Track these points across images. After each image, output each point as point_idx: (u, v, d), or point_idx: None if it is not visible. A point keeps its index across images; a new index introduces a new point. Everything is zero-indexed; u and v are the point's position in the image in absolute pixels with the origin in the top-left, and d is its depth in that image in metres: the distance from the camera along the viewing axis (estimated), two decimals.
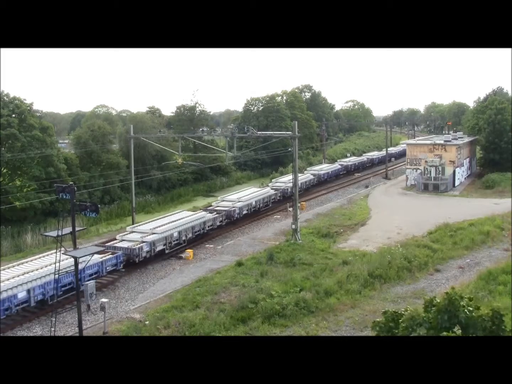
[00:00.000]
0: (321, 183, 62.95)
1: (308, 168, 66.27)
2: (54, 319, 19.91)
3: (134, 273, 31.09)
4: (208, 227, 38.38)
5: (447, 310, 10.91)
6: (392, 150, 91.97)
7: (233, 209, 42.19)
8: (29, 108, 47.10)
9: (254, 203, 45.84)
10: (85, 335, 20.73)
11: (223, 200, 44.94)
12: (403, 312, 11.95)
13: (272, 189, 52.47)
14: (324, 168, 66.74)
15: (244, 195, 46.28)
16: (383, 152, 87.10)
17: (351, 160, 76.91)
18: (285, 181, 55.05)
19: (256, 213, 46.37)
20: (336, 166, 70.15)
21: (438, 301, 11.38)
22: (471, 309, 10.98)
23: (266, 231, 41.80)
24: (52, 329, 19.69)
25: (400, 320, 11.51)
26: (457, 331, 10.09)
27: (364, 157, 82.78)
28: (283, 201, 50.98)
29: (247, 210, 44.43)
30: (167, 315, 23.79)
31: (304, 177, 58.56)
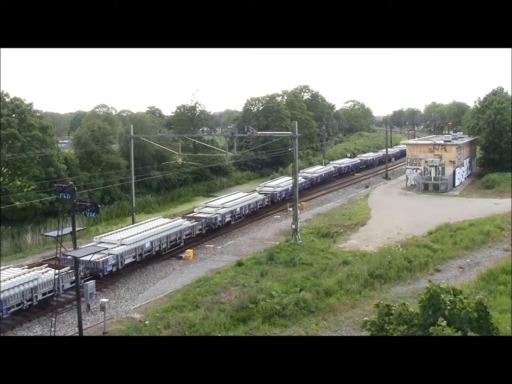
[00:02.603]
0: (276, 203, 50.71)
1: (261, 184, 54.41)
2: (54, 319, 19.90)
3: (134, 273, 31.11)
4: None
5: (430, 304, 10.89)
6: (370, 156, 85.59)
7: (105, 258, 28.05)
8: (29, 108, 47.11)
9: (148, 244, 31.73)
10: (85, 335, 20.73)
11: (101, 242, 30.52)
12: (394, 307, 11.93)
13: (191, 219, 38.37)
14: (281, 184, 53.76)
15: (139, 231, 32.45)
16: (356, 159, 79.15)
17: (317, 171, 64.33)
18: (217, 205, 41.80)
19: (152, 258, 32.89)
20: (298, 179, 56.27)
21: (422, 296, 11.39)
22: (451, 299, 10.94)
23: (266, 231, 41.80)
24: (52, 329, 19.69)
25: (392, 317, 11.52)
26: (442, 322, 10.05)
27: (331, 166, 69.76)
28: (206, 235, 38.54)
29: (134, 257, 30.54)
30: (167, 315, 23.79)
31: (251, 197, 46.18)
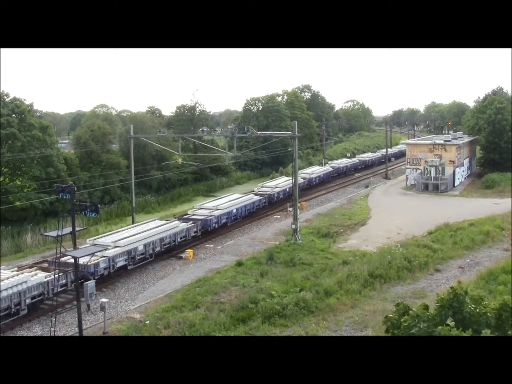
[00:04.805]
0: (212, 231, 38.92)
1: (196, 205, 42.54)
2: (54, 319, 19.90)
3: (134, 273, 31.10)
4: None
5: (452, 306, 10.77)
6: (343, 162, 73.41)
7: None
8: (29, 108, 47.11)
9: None
10: (85, 335, 20.73)
11: None
12: (412, 309, 11.81)
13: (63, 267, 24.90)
14: (222, 204, 41.11)
15: None
16: (327, 168, 66.91)
17: (279, 184, 52.63)
18: (107, 243, 29.68)
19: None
20: (250, 198, 45.30)
21: (442, 296, 11.24)
22: (474, 307, 10.85)
23: (266, 231, 41.79)
24: (52, 329, 19.69)
25: (402, 320, 11.42)
26: (451, 323, 9.98)
27: (299, 178, 50.88)
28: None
29: None
30: (167, 315, 23.80)
31: (168, 227, 34.16)
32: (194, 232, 36.75)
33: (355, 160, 77.28)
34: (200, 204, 42.73)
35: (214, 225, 38.79)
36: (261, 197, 47.44)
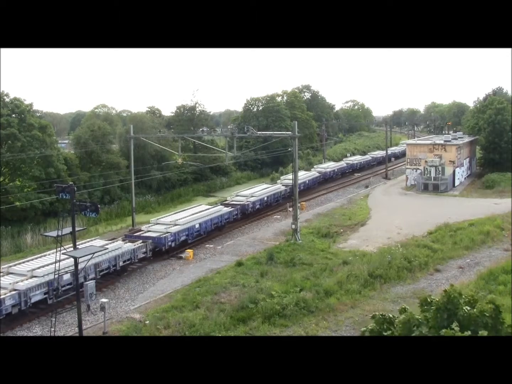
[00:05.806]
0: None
1: (153, 220, 37.26)
2: (54, 319, 19.89)
3: (134, 273, 31.11)
4: None
5: (446, 308, 10.81)
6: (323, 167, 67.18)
7: None
8: (28, 108, 47.11)
9: None
10: (85, 335, 20.73)
11: None
12: (391, 316, 11.86)
13: None
14: (175, 220, 35.61)
15: None
16: (309, 174, 60.22)
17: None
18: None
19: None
20: (218, 210, 39.93)
21: (437, 299, 11.29)
22: (469, 308, 10.89)
23: (266, 231, 41.79)
24: (52, 329, 19.68)
25: (397, 320, 11.44)
26: (456, 327, 10.02)
27: (263, 192, 48.44)
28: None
29: None
30: (167, 315, 23.81)
31: (111, 246, 29.67)
32: (143, 253, 31.58)
33: (342, 164, 72.98)
34: (157, 218, 37.22)
35: (170, 243, 33.45)
36: (232, 209, 41.63)
